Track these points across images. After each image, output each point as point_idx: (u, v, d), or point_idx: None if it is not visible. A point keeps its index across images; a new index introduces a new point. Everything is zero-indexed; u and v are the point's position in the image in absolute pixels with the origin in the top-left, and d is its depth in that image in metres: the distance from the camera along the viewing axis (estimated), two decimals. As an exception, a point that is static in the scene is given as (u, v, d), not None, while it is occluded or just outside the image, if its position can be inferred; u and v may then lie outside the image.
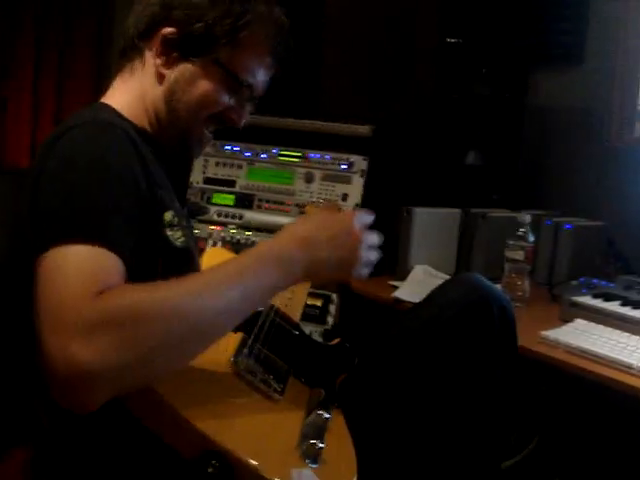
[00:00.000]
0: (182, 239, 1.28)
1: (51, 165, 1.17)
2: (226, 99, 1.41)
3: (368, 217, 1.34)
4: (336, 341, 1.56)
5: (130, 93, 1.40)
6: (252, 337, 1.28)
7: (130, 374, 0.98)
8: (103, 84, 3.01)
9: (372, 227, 1.34)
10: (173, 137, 1.42)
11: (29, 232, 1.14)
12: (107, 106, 1.38)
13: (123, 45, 1.42)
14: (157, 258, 1.24)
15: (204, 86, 1.38)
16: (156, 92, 1.39)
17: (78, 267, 1.03)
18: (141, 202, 1.19)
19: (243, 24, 1.36)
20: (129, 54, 1.42)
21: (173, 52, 1.36)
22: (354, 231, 1.29)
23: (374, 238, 1.33)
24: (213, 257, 1.46)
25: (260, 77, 1.44)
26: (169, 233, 1.26)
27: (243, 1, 1.37)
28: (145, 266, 1.19)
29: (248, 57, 1.40)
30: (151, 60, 1.38)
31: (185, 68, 1.37)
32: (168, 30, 1.35)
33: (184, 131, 1.42)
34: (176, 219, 1.28)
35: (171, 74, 1.37)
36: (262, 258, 1.17)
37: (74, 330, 0.95)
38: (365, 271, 1.32)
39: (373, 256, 1.32)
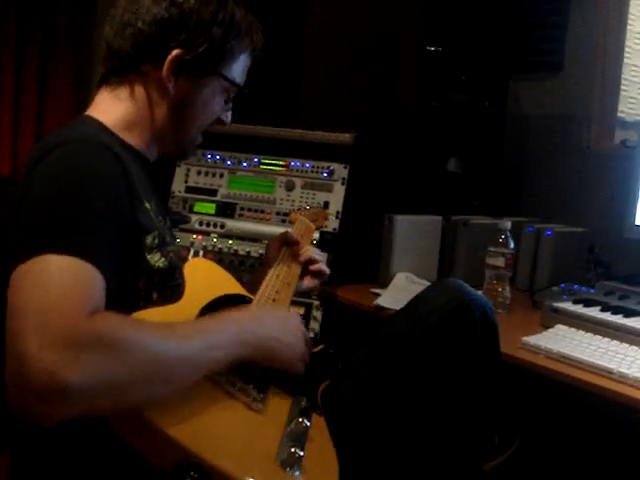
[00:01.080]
0: (162, 260, 1.29)
1: (38, 182, 1.17)
2: (221, 104, 1.48)
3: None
4: (319, 348, 1.56)
5: (122, 109, 1.40)
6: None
7: (102, 399, 0.99)
8: (85, 90, 3.02)
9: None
10: (173, 149, 1.48)
11: (10, 246, 1.13)
12: (94, 120, 1.38)
13: (116, 63, 1.41)
14: (139, 279, 1.25)
15: (206, 97, 1.43)
16: (159, 107, 1.41)
17: (69, 279, 1.03)
18: (123, 225, 1.20)
19: (235, 33, 1.42)
20: (125, 72, 1.41)
21: (179, 70, 1.38)
22: (300, 327, 1.42)
23: (310, 342, 1.45)
24: (195, 268, 1.46)
25: (244, 77, 1.50)
26: (148, 256, 1.26)
27: (229, 9, 1.41)
28: (127, 287, 1.21)
29: (239, 60, 1.46)
30: (153, 79, 1.39)
31: (190, 84, 1.40)
32: (176, 52, 1.36)
33: (186, 142, 1.48)
34: (157, 240, 1.29)
35: (175, 90, 1.39)
36: (229, 323, 1.24)
37: (64, 344, 0.94)
38: (301, 366, 1.39)
39: (308, 355, 1.42)
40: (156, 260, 1.28)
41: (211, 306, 1.34)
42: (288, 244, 1.83)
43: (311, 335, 2.42)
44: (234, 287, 1.53)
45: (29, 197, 1.15)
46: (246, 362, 1.23)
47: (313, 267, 1.83)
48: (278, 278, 1.66)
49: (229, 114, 1.52)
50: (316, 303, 2.39)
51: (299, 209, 2.14)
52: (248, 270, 2.50)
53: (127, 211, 1.22)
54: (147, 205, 1.31)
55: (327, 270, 1.86)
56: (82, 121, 1.39)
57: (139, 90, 1.40)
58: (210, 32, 1.38)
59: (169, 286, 1.31)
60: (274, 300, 1.55)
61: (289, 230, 1.88)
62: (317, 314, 2.39)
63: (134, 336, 1.03)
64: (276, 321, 1.35)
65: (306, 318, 2.40)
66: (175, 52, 1.36)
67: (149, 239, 1.27)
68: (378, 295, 2.30)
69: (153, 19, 1.37)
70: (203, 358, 1.13)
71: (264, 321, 1.32)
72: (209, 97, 1.44)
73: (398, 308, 2.05)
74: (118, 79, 1.41)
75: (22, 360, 0.93)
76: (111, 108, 1.41)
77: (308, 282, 1.84)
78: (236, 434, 1.14)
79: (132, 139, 1.40)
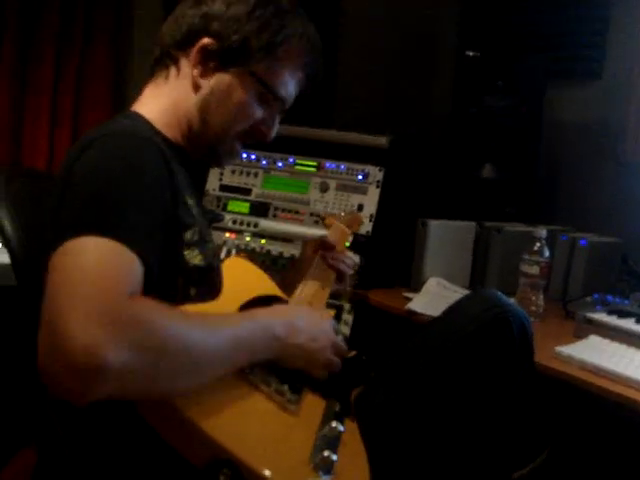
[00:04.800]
0: (200, 257, 1.29)
1: (80, 171, 1.17)
2: (259, 112, 1.43)
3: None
4: (352, 353, 1.55)
5: (163, 101, 1.41)
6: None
7: (134, 381, 0.98)
8: (121, 91, 3.04)
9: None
10: (203, 147, 1.44)
11: (50, 232, 1.14)
12: (138, 115, 1.39)
13: (158, 53, 1.44)
14: (177, 274, 1.25)
15: (239, 97, 1.40)
16: (190, 101, 1.40)
17: (109, 260, 1.03)
18: (164, 217, 1.20)
19: (280, 39, 1.40)
20: (164, 62, 1.43)
21: (210, 62, 1.38)
22: (330, 334, 1.39)
23: (343, 349, 1.42)
24: (233, 267, 1.46)
25: (291, 91, 1.46)
26: (186, 252, 1.27)
27: (281, 16, 1.40)
28: (165, 281, 1.20)
29: (282, 71, 1.43)
30: (187, 69, 1.40)
31: (221, 78, 1.39)
32: (206, 41, 1.37)
33: (215, 142, 1.44)
34: (196, 237, 1.29)
35: (207, 84, 1.39)
36: (257, 325, 1.23)
37: (103, 321, 0.94)
38: (326, 375, 1.37)
39: (336, 363, 1.38)
40: (194, 256, 1.28)
41: (248, 306, 1.35)
42: (324, 248, 1.82)
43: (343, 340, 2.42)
44: (271, 288, 1.54)
45: (73, 186, 1.16)
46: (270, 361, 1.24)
47: (342, 267, 1.83)
48: (314, 282, 1.66)
49: (272, 127, 1.48)
50: (347, 306, 2.39)
51: (334, 214, 2.14)
52: (280, 270, 2.51)
53: (168, 204, 1.22)
54: (189, 201, 1.31)
55: (350, 271, 1.87)
56: (126, 116, 1.40)
57: (175, 84, 1.41)
58: (243, 24, 1.37)
59: (207, 284, 1.31)
60: (310, 303, 1.55)
61: (326, 234, 1.88)
62: (348, 317, 2.39)
63: (169, 324, 1.03)
64: (306, 326, 1.33)
65: (337, 321, 2.40)
66: (205, 40, 1.37)
67: (188, 235, 1.28)
68: (410, 299, 2.29)
69: (195, 12, 1.38)
70: (228, 357, 1.13)
71: (293, 325, 1.30)
72: (242, 98, 1.40)
73: (430, 313, 2.06)
74: (158, 69, 1.43)
75: (60, 336, 0.93)
76: (153, 104, 1.42)
77: (340, 286, 1.85)
78: (270, 435, 1.14)
79: (173, 134, 1.41)
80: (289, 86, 1.45)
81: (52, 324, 0.95)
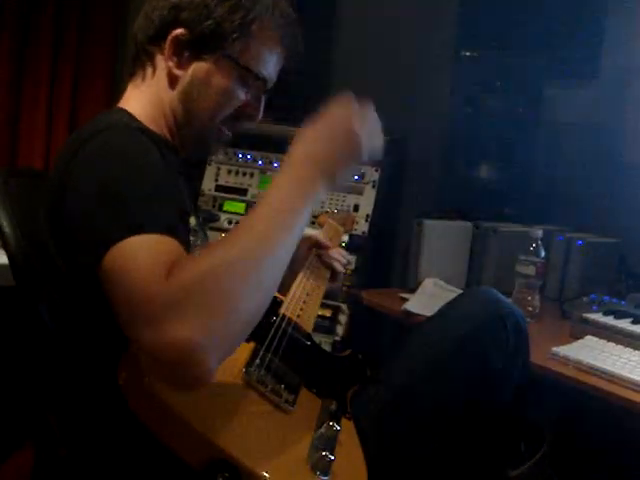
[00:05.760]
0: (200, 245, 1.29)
1: (84, 167, 1.17)
2: (242, 95, 1.42)
3: (369, 111, 1.30)
4: (347, 352, 1.55)
5: (145, 99, 1.41)
6: (264, 347, 1.28)
7: (228, 332, 0.99)
8: (119, 86, 3.04)
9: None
10: (190, 138, 1.44)
11: (69, 235, 1.14)
12: (126, 112, 1.38)
13: (134, 51, 1.43)
14: None
15: (219, 83, 1.38)
16: (171, 95, 1.39)
17: (143, 257, 1.02)
18: (178, 196, 1.20)
19: (252, 18, 1.37)
20: (140, 59, 1.42)
21: (184, 52, 1.37)
22: (351, 128, 1.24)
23: (374, 126, 1.30)
24: None
25: (272, 69, 1.45)
26: (192, 239, 1.26)
27: None
28: None
29: (259, 50, 1.41)
30: (162, 63, 1.39)
31: (198, 67, 1.38)
32: (178, 31, 1.36)
33: (202, 130, 1.43)
34: (196, 226, 1.29)
35: (185, 75, 1.38)
36: (285, 195, 1.15)
37: (162, 315, 0.94)
38: (377, 151, 1.29)
39: (377, 141, 1.30)
40: (197, 244, 1.28)
41: None
42: (318, 247, 1.82)
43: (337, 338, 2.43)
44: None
45: (81, 186, 1.15)
46: None
47: (335, 264, 1.83)
48: (308, 280, 1.66)
49: (259, 108, 1.47)
50: (343, 306, 2.39)
51: (328, 212, 2.14)
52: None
53: (176, 188, 1.22)
54: (182, 195, 1.31)
55: (341, 269, 1.86)
56: (115, 112, 1.40)
57: (153, 78, 1.41)
58: (213, 10, 1.35)
59: None
60: (304, 302, 1.55)
61: (319, 233, 1.88)
62: (343, 317, 2.40)
63: (210, 262, 1.01)
64: (325, 143, 1.22)
65: (333, 321, 2.41)
66: (176, 31, 1.36)
67: (193, 221, 1.28)
68: (406, 300, 2.29)
69: (164, 4, 1.37)
70: (282, 232, 1.10)
71: (316, 154, 1.20)
72: (223, 83, 1.38)
73: (426, 313, 2.05)
74: (136, 67, 1.43)
75: (150, 351, 0.95)
76: (133, 98, 1.42)
77: (333, 284, 1.85)
78: (267, 435, 1.13)
79: (160, 130, 1.40)
80: (269, 64, 1.43)
81: (133, 341, 0.98)
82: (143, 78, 1.42)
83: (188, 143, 1.45)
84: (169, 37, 1.36)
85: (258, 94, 1.46)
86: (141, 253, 1.02)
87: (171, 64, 1.37)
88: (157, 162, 1.20)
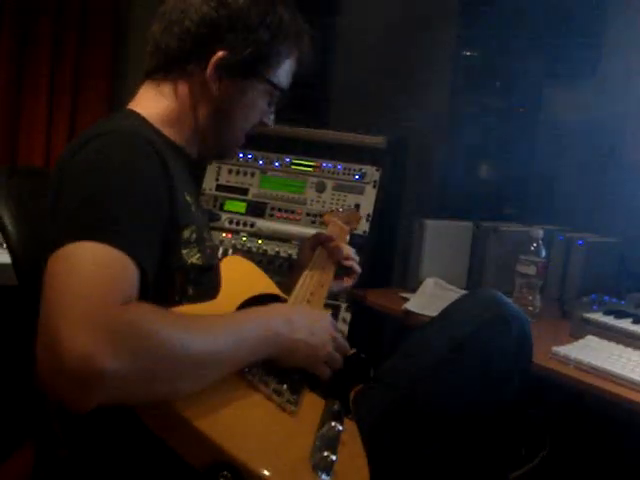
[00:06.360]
0: (198, 256, 1.30)
1: (76, 170, 1.18)
2: (265, 106, 1.48)
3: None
4: (351, 352, 1.55)
5: (166, 103, 1.41)
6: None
7: (134, 386, 0.99)
8: (119, 85, 3.04)
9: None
10: (215, 149, 1.50)
11: (49, 232, 1.14)
12: (135, 113, 1.39)
13: (163, 60, 1.42)
14: (175, 275, 1.26)
15: (251, 101, 1.44)
16: (202, 108, 1.42)
17: (103, 267, 1.03)
18: (161, 217, 1.20)
19: (287, 42, 1.43)
20: (169, 67, 1.42)
21: (222, 71, 1.39)
22: (330, 329, 1.39)
23: (344, 345, 1.42)
24: (231, 266, 1.46)
25: (289, 80, 1.50)
26: (184, 251, 1.27)
27: (282, 17, 1.42)
28: (163, 280, 1.21)
29: (285, 68, 1.47)
30: (198, 78, 1.40)
31: (233, 85, 1.41)
32: (221, 54, 1.37)
33: (229, 143, 1.49)
34: (194, 235, 1.29)
35: (218, 92, 1.40)
36: (257, 324, 1.23)
37: (97, 329, 0.94)
38: (328, 371, 1.37)
39: (337, 359, 1.39)
40: (192, 255, 1.28)
41: (247, 305, 1.34)
42: (323, 244, 1.83)
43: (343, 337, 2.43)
44: (269, 286, 1.54)
45: (68, 187, 1.16)
46: (270, 360, 1.24)
47: (348, 262, 1.84)
48: (312, 279, 1.66)
49: (272, 117, 1.53)
50: (344, 306, 2.39)
51: (332, 211, 2.14)
52: (276, 270, 2.51)
53: (165, 204, 1.22)
54: (187, 198, 1.31)
55: (359, 269, 1.87)
56: (125, 114, 1.40)
57: (183, 89, 1.41)
58: (257, 35, 1.38)
59: (205, 283, 1.31)
60: (308, 301, 1.55)
61: (324, 231, 1.88)
62: (345, 316, 2.40)
63: (165, 328, 1.03)
64: (305, 322, 1.33)
65: (334, 320, 2.41)
66: (221, 53, 1.37)
67: (186, 233, 1.28)
68: (407, 300, 2.29)
69: (201, 19, 1.37)
70: (229, 356, 1.13)
71: (293, 322, 1.30)
72: (253, 100, 1.45)
73: (427, 313, 2.06)
74: (162, 76, 1.42)
75: (56, 345, 0.93)
76: (154, 103, 1.42)
77: (341, 283, 1.85)
78: (270, 435, 1.13)
79: (173, 135, 1.41)
80: (289, 76, 1.50)
81: (48, 332, 0.96)
82: (172, 88, 1.42)
83: (211, 153, 1.52)
84: (213, 59, 1.37)
85: (273, 103, 1.51)
86: (105, 262, 1.04)
87: (212, 84, 1.39)
88: (151, 179, 1.20)
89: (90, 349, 0.92)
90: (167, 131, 1.40)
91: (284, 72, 1.47)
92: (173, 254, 1.25)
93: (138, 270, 1.08)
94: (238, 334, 1.17)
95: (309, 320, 1.35)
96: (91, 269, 1.02)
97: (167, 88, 1.42)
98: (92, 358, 0.92)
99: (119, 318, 0.98)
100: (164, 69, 1.42)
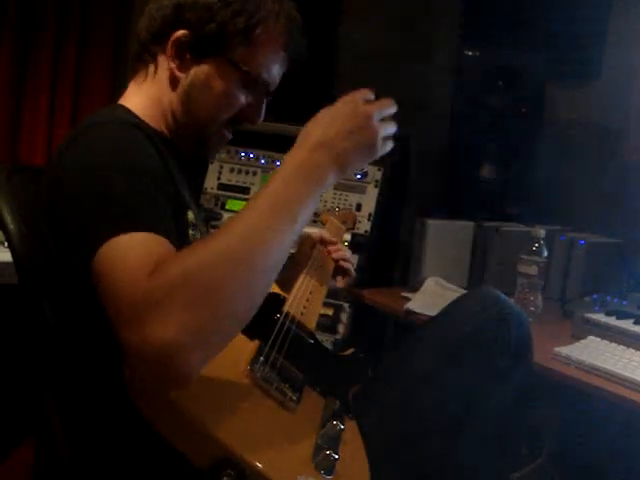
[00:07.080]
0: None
1: (76, 162, 1.17)
2: (243, 98, 1.41)
3: (388, 110, 1.26)
4: (349, 351, 1.55)
5: (145, 97, 1.41)
6: (268, 345, 1.27)
7: (213, 330, 0.96)
8: (120, 84, 3.03)
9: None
10: (190, 138, 1.43)
11: (64, 232, 1.13)
12: (124, 108, 1.39)
13: (137, 49, 1.43)
14: None
15: (220, 87, 1.37)
16: (172, 95, 1.39)
17: (129, 256, 1.01)
18: (170, 194, 1.19)
19: (255, 22, 1.36)
20: (143, 58, 1.42)
21: (186, 54, 1.36)
22: (369, 124, 1.21)
23: (391, 129, 1.25)
24: None
25: (275, 73, 1.43)
26: (191, 232, 1.26)
27: (258, 1, 1.37)
28: None
29: (262, 54, 1.39)
30: (165, 64, 1.38)
31: (199, 70, 1.37)
32: (180, 32, 1.35)
33: (202, 132, 1.42)
34: (195, 220, 1.29)
35: (186, 77, 1.37)
36: (292, 180, 1.11)
37: (144, 315, 0.93)
38: (391, 144, 1.25)
39: (388, 147, 1.25)
40: (198, 238, 1.28)
41: None
42: (322, 244, 1.82)
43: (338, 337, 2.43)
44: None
45: (70, 177, 1.15)
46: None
47: (344, 264, 1.83)
48: (311, 278, 1.66)
49: (260, 111, 1.45)
50: (345, 305, 2.39)
51: (329, 210, 2.14)
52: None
53: (169, 183, 1.21)
54: (182, 190, 1.31)
55: (354, 273, 1.87)
56: (113, 108, 1.40)
57: (152, 73, 1.40)
58: (218, 14, 1.34)
59: None
60: (308, 300, 1.55)
61: (322, 230, 1.88)
62: (345, 316, 2.39)
63: (195, 258, 0.98)
64: (335, 128, 1.18)
65: (335, 320, 2.40)
66: (179, 32, 1.35)
67: (190, 215, 1.27)
68: (408, 299, 2.29)
69: (168, 3, 1.36)
70: (278, 224, 1.05)
71: (322, 141, 1.16)
72: (223, 87, 1.37)
73: (428, 313, 2.06)
74: (139, 65, 1.42)
75: (133, 352, 0.93)
76: (134, 95, 1.42)
77: (339, 282, 1.85)
78: (272, 433, 1.13)
79: (160, 128, 1.40)
80: (272, 68, 1.42)
81: (121, 339, 0.95)
82: (145, 77, 1.42)
83: (188, 144, 1.44)
84: (171, 38, 1.35)
85: (259, 97, 1.44)
86: (128, 252, 1.01)
87: (173, 65, 1.37)
88: (149, 159, 1.19)
89: (150, 335, 0.91)
90: (154, 124, 1.39)
91: (262, 60, 1.39)
92: (182, 235, 1.23)
93: (163, 237, 1.05)
94: (273, 199, 1.07)
95: (340, 127, 1.19)
96: (125, 263, 1.00)
97: (144, 81, 1.42)
98: (158, 341, 0.91)
99: (151, 287, 0.95)
100: (140, 60, 1.42)
